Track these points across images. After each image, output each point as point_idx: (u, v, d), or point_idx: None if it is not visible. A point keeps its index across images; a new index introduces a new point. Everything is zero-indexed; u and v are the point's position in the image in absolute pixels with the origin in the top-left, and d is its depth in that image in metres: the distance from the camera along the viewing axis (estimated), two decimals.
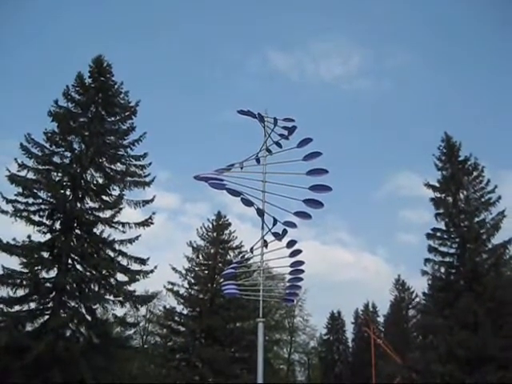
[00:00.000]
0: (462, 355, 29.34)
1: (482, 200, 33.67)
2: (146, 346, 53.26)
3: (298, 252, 7.50)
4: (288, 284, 7.75)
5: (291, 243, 7.56)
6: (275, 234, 7.48)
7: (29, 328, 25.87)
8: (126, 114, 30.02)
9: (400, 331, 64.47)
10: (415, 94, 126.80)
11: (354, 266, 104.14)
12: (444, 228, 34.09)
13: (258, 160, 7.43)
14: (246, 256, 9.13)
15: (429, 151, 35.81)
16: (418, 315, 56.68)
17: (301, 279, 7.54)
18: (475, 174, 34.45)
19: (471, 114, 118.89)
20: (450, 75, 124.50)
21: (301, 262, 7.50)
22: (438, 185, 34.92)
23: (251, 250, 7.54)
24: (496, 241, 32.76)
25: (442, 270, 33.79)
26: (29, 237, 26.05)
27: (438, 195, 34.78)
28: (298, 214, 7.17)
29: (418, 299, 59.20)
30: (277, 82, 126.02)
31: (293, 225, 7.40)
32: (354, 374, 68.36)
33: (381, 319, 75.34)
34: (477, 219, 33.50)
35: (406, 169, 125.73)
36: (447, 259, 33.77)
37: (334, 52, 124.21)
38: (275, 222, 7.27)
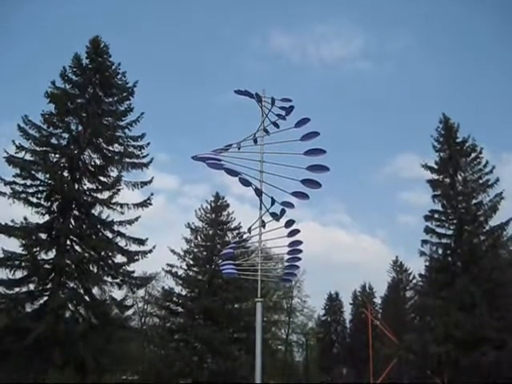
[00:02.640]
0: (458, 336, 29.56)
1: (480, 182, 33.67)
2: (144, 327, 53.55)
3: (296, 232, 7.51)
4: (286, 264, 7.76)
5: (289, 223, 7.57)
6: (273, 214, 7.48)
7: (28, 309, 25.97)
8: (124, 94, 29.90)
9: (397, 312, 64.81)
10: (416, 76, 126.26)
11: (352, 247, 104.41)
12: (441, 210, 34.10)
13: (255, 140, 7.42)
14: (244, 236, 9.12)
15: (429, 133, 35.73)
16: (415, 296, 56.94)
17: (299, 259, 7.56)
18: (473, 155, 34.41)
19: (473, 96, 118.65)
20: (450, 57, 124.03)
21: (299, 242, 7.52)
22: (435, 166, 34.87)
23: (249, 230, 7.56)
24: (493, 222, 32.87)
25: (440, 251, 33.87)
26: (26, 218, 26.10)
27: (436, 177, 34.77)
28: (296, 194, 7.17)
29: (415, 281, 59.34)
30: (278, 63, 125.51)
31: (290, 205, 7.40)
32: (352, 355, 68.84)
33: (378, 300, 75.75)
34: (474, 201, 33.54)
35: (407, 151, 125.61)
36: (444, 241, 33.86)
37: (336, 34, 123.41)
38: (273, 202, 7.27)
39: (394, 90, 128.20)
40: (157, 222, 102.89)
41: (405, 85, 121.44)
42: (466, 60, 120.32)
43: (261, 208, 7.42)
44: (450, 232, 33.87)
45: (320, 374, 67.17)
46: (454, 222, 33.65)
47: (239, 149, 7.18)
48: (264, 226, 7.39)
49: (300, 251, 7.55)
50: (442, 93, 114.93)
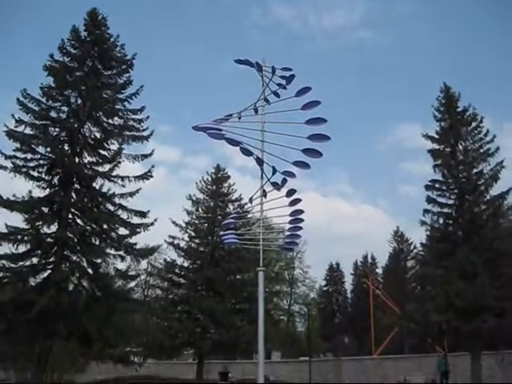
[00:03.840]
0: (459, 305, 29.72)
1: (481, 151, 33.51)
2: (147, 299, 53.96)
3: (298, 201, 7.52)
4: (287, 233, 7.79)
5: (291, 192, 7.58)
6: (274, 184, 7.49)
7: (32, 283, 26.17)
8: (123, 67, 29.73)
9: (398, 282, 65.26)
10: (418, 45, 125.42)
11: (354, 217, 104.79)
12: (442, 179, 34.07)
13: (255, 110, 7.40)
14: (245, 207, 9.16)
15: (432, 102, 35.51)
16: (416, 266, 57.13)
17: (300, 228, 7.57)
18: (474, 124, 34.19)
19: (476, 66, 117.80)
20: (453, 26, 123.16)
21: (300, 211, 7.53)
22: (436, 136, 34.72)
23: (250, 200, 7.57)
24: (494, 192, 32.80)
25: (441, 220, 33.90)
26: (29, 192, 26.18)
27: (437, 146, 34.63)
28: (297, 163, 7.16)
29: (416, 250, 59.66)
30: (278, 33, 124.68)
31: (291, 174, 7.40)
32: (353, 325, 69.50)
33: (379, 271, 76.23)
34: (475, 170, 33.41)
35: (409, 120, 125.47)
36: (446, 210, 33.83)
37: (338, 3, 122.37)
38: (274, 171, 7.27)
39: (396, 58, 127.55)
40: (159, 195, 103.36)
41: (407, 54, 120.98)
42: (468, 29, 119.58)
43: (262, 178, 7.43)
44: (450, 202, 33.83)
45: (322, 344, 67.89)
46: (455, 191, 33.60)
47: (240, 118, 7.15)
48: (265, 196, 7.41)
49: (301, 220, 7.57)
50: (444, 62, 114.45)
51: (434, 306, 30.87)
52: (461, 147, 34.26)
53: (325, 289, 75.85)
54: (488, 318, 28.81)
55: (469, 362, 31.24)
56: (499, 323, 28.50)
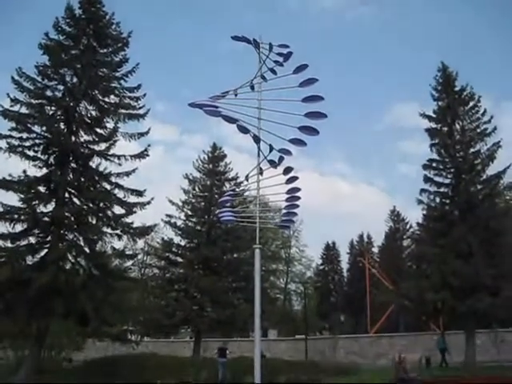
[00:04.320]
0: (454, 283, 29.90)
1: (478, 130, 33.50)
2: (144, 278, 54.14)
3: (295, 179, 7.52)
4: (284, 211, 7.78)
5: (288, 170, 7.56)
6: (271, 162, 7.47)
7: (29, 262, 26.22)
8: (119, 45, 29.52)
9: (394, 261, 65.58)
10: (416, 23, 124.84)
11: (350, 197, 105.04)
12: (439, 159, 34.09)
13: (252, 87, 7.35)
14: (241, 185, 9.16)
15: (430, 82, 35.42)
16: (412, 245, 57.43)
17: (297, 206, 7.57)
18: (471, 104, 34.14)
19: (474, 45, 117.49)
20: (451, 5, 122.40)
21: (297, 189, 7.53)
22: (433, 115, 34.68)
23: (246, 177, 7.56)
24: (490, 171, 32.87)
25: (437, 200, 33.99)
26: (24, 172, 26.10)
27: (434, 126, 34.61)
28: (293, 141, 7.13)
29: (412, 230, 59.84)
30: (277, 9, 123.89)
31: (288, 152, 7.38)
32: (349, 303, 70.00)
33: (375, 250, 76.56)
34: (472, 150, 33.44)
35: (407, 100, 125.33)
36: (442, 189, 33.90)
37: None
38: (271, 149, 7.24)
39: (395, 37, 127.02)
40: (156, 174, 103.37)
41: (405, 32, 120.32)
42: (467, 8, 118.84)
43: (259, 155, 7.41)
44: (447, 181, 33.88)
45: (318, 322, 68.36)
46: (452, 170, 33.64)
47: (236, 95, 7.12)
48: (262, 174, 7.39)
49: (298, 198, 7.57)
50: (443, 41, 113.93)
51: (430, 284, 31.07)
52: (458, 127, 34.24)
53: (321, 268, 76.27)
54: (483, 297, 29.03)
55: (463, 340, 31.56)
56: (494, 302, 28.72)
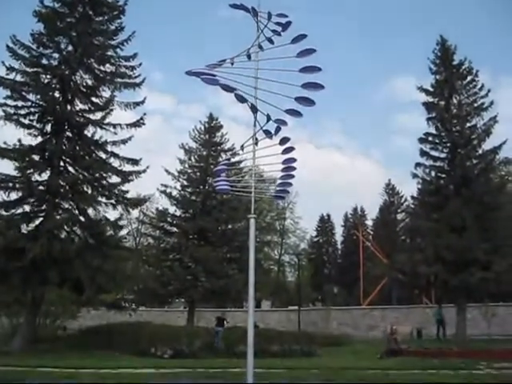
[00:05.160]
0: (447, 257, 30.14)
1: (475, 105, 33.47)
2: (139, 248, 54.34)
3: (291, 149, 7.50)
4: (279, 181, 7.78)
5: (284, 140, 7.54)
6: (267, 132, 7.44)
7: (24, 231, 26.24)
8: (114, 13, 29.12)
9: (388, 234, 66.00)
10: None
11: (346, 170, 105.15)
12: (436, 133, 34.08)
13: (249, 56, 7.29)
14: (237, 155, 9.14)
15: (428, 55, 35.23)
16: (406, 219, 57.73)
17: (292, 176, 7.57)
18: (469, 78, 34.04)
19: (474, 18, 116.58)
20: None
21: (293, 159, 7.52)
22: (431, 89, 34.58)
23: (242, 147, 7.54)
24: (487, 146, 32.91)
25: (433, 174, 34.05)
26: (19, 140, 25.98)
27: (431, 99, 34.53)
28: (289, 111, 7.10)
29: (407, 203, 60.12)
30: None
31: (283, 122, 7.35)
32: (342, 275, 70.53)
33: (370, 223, 76.94)
34: (468, 124, 33.43)
35: (405, 73, 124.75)
36: (438, 164, 33.96)
37: None
38: (268, 118, 7.21)
39: (394, 9, 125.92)
40: (152, 144, 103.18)
41: (405, 5, 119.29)
42: None
43: (255, 125, 7.38)
44: (443, 155, 33.93)
45: (311, 293, 68.93)
46: (448, 145, 33.66)
47: (232, 64, 7.06)
48: (257, 144, 7.37)
49: (294, 169, 7.56)
50: (441, 14, 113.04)
51: (423, 258, 31.30)
52: (455, 101, 34.19)
53: (315, 240, 76.72)
54: (475, 272, 29.29)
55: (454, 313, 31.93)
56: (486, 276, 28.98)
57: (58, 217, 26.22)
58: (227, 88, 6.98)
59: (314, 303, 66.65)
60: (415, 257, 31.94)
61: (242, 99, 7.06)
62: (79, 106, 28.25)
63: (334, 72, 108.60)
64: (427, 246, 31.67)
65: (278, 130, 7.44)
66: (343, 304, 56.23)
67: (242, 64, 7.14)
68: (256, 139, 7.35)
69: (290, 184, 7.74)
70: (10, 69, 26.46)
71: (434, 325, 34.69)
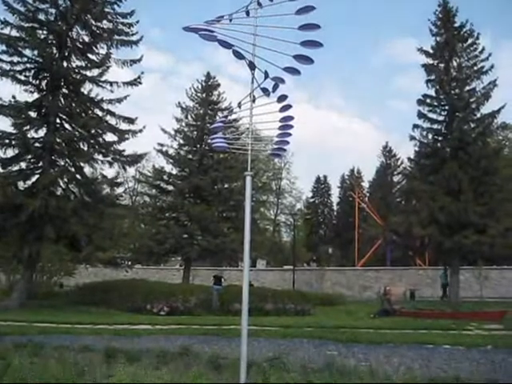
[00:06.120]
0: (442, 220, 30.31)
1: (475, 68, 33.21)
2: (135, 206, 54.47)
3: (288, 107, 7.46)
4: (276, 139, 7.75)
5: (282, 98, 7.49)
6: (264, 90, 7.40)
7: (21, 188, 26.27)
8: None
9: (384, 196, 66.23)
10: None
11: (344, 131, 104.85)
12: (434, 95, 33.92)
13: (247, 13, 7.21)
14: (233, 112, 9.07)
15: (429, 16, 34.77)
16: (402, 181, 57.88)
17: (289, 134, 7.55)
18: (470, 41, 33.70)
19: None
20: None
21: (290, 117, 7.48)
22: (431, 51, 34.25)
23: (239, 104, 7.50)
24: (485, 110, 32.80)
25: (430, 136, 34.02)
26: (14, 97, 25.81)
27: (431, 61, 34.25)
28: (288, 69, 7.05)
29: (403, 166, 60.13)
30: None
31: (281, 80, 7.30)
32: (338, 236, 71.04)
33: (366, 184, 77.11)
34: (468, 88, 33.25)
35: (405, 35, 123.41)
36: (435, 126, 33.88)
37: None
38: (266, 75, 7.16)
39: None
40: (150, 103, 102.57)
41: None
42: None
43: (252, 82, 7.34)
44: (441, 118, 33.85)
45: (306, 254, 69.44)
46: (446, 107, 33.55)
47: (231, 21, 6.98)
48: (254, 101, 7.34)
49: (291, 126, 7.53)
50: None
51: (418, 220, 31.47)
52: (455, 63, 33.91)
53: (311, 200, 76.98)
54: (469, 235, 29.52)
55: (448, 275, 32.33)
56: (480, 239, 29.21)
57: (54, 173, 26.16)
58: (225, 44, 6.91)
59: (308, 263, 67.17)
60: (410, 219, 32.11)
61: (239, 56, 7.00)
62: (76, 62, 28.02)
63: (334, 32, 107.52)
64: (422, 208, 31.82)
65: (275, 87, 7.39)
66: (338, 265, 56.75)
67: (241, 21, 7.07)
68: (253, 96, 7.31)
69: (288, 142, 7.71)
70: (5, 23, 26.09)
71: (429, 287, 35.04)
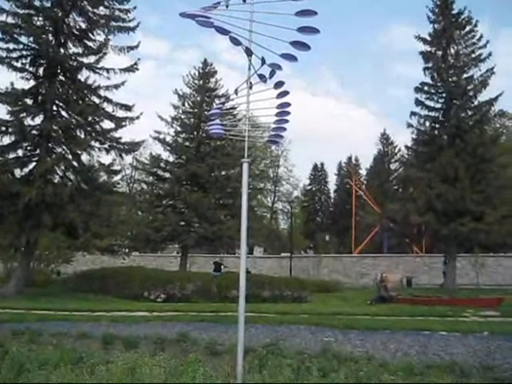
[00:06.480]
0: (439, 207, 30.39)
1: (473, 56, 33.13)
2: (132, 193, 54.40)
3: (285, 93, 7.46)
4: (273, 126, 7.75)
5: (279, 84, 7.49)
6: (261, 76, 7.39)
7: (17, 176, 26.23)
8: None
9: (381, 183, 66.27)
10: None
11: (341, 118, 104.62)
12: (432, 82, 33.87)
13: None
14: (230, 99, 9.05)
15: (427, 3, 34.63)
16: (399, 169, 57.92)
17: (287, 121, 7.56)
18: (468, 28, 33.60)
19: None
20: None
21: (287, 104, 7.49)
22: (428, 38, 34.14)
23: (236, 91, 7.50)
24: (482, 98, 32.78)
25: (427, 124, 34.03)
26: (11, 84, 25.70)
27: (428, 48, 34.16)
28: (285, 56, 7.05)
29: (400, 153, 60.11)
30: None
31: (278, 66, 7.29)
32: (335, 223, 71.12)
33: (363, 172, 77.07)
34: (465, 75, 33.20)
35: (402, 22, 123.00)
36: (433, 114, 33.88)
37: None
38: (263, 62, 7.15)
39: None
40: (147, 90, 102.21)
41: None
42: None
43: (249, 69, 7.33)
44: (438, 105, 33.83)
45: (303, 241, 69.57)
46: (444, 95, 33.53)
47: (227, 7, 6.95)
48: (251, 87, 7.34)
49: (288, 113, 7.54)
50: None
51: (415, 207, 31.54)
52: (453, 51, 33.85)
53: (308, 188, 76.96)
54: (466, 222, 29.60)
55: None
56: (476, 227, 29.30)
57: (51, 161, 26.09)
58: (222, 30, 6.90)
59: (305, 251, 67.34)
60: (407, 206, 32.19)
61: (236, 42, 6.99)
62: (72, 49, 27.88)
63: (331, 18, 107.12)
64: (419, 196, 31.88)
65: (272, 73, 7.39)
66: (334, 252, 56.85)
67: (237, 7, 7.05)
68: (250, 83, 7.31)
69: (285, 129, 7.72)
70: (1, 10, 25.90)
71: (426, 274, 35.10)
